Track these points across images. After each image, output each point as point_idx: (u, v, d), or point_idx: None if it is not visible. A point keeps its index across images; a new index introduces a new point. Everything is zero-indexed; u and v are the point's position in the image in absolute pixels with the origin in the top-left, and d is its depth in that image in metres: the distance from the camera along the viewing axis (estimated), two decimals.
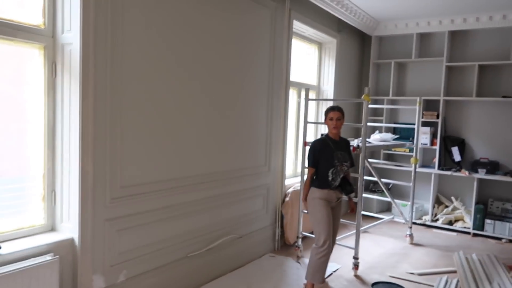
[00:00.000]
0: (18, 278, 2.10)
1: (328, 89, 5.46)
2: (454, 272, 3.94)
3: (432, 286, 3.60)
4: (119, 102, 2.60)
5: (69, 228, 2.48)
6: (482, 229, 5.17)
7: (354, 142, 4.08)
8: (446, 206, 5.64)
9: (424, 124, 5.58)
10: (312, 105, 5.37)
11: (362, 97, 3.75)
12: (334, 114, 3.23)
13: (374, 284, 3.18)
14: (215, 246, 3.52)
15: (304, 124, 4.16)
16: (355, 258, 3.79)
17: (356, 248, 3.78)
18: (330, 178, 3.19)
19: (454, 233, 5.30)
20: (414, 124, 5.22)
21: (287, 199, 4.46)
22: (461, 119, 5.60)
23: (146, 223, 2.88)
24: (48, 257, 2.27)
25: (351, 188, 3.24)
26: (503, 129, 5.33)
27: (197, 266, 3.35)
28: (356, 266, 3.78)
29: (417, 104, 4.81)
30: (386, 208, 6.14)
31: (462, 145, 5.51)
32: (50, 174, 2.51)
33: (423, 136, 5.55)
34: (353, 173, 3.57)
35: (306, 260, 4.07)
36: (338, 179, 3.21)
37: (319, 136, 4.72)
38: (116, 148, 2.61)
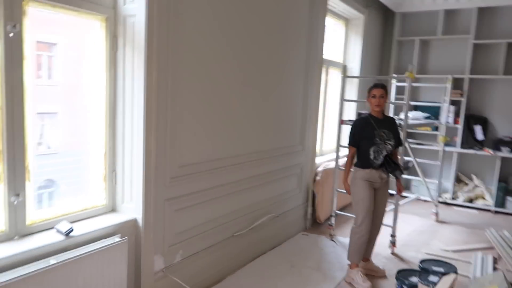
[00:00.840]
0: (91, 260, 2.05)
1: (354, 66, 5.38)
2: (487, 248, 4.01)
3: (470, 262, 3.66)
4: (178, 79, 2.50)
5: (131, 208, 2.42)
6: (503, 207, 5.25)
7: None
8: (466, 184, 5.70)
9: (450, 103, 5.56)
10: (339, 83, 5.29)
11: (406, 74, 3.69)
12: (378, 91, 3.15)
13: (422, 261, 3.20)
14: (257, 226, 3.50)
15: (340, 102, 4.10)
16: (393, 236, 3.82)
17: (394, 225, 3.81)
18: (371, 157, 3.14)
19: (475, 211, 5.38)
20: (436, 102, 5.21)
21: (318, 178, 4.44)
22: (485, 98, 5.59)
23: (199, 202, 2.83)
24: (117, 239, 2.22)
25: (396, 167, 3.17)
26: None
27: (242, 245, 3.34)
28: (393, 243, 3.81)
29: (448, 82, 4.77)
30: (405, 186, 6.17)
31: (485, 123, 5.52)
32: (111, 153, 2.42)
33: (448, 115, 5.53)
34: None
35: (340, 238, 4.11)
36: (380, 158, 3.14)
37: (353, 115, 4.67)
38: (175, 126, 2.53)
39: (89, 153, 2.39)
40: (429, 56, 5.91)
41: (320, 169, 4.53)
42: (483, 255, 3.79)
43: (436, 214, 4.87)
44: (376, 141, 3.13)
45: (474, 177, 5.61)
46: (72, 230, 2.07)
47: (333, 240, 4.06)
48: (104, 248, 2.11)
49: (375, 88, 3.16)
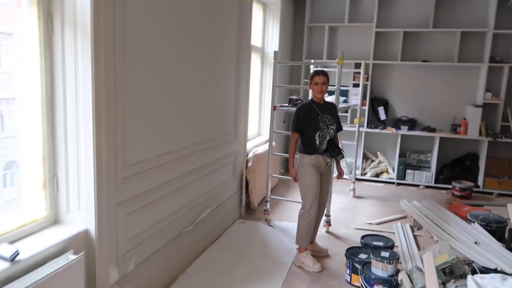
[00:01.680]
0: (47, 287, 1.71)
1: (272, 51, 5.42)
2: (403, 218, 4.50)
3: (393, 232, 4.05)
4: (125, 69, 2.19)
5: (80, 218, 2.08)
6: (404, 179, 5.92)
7: None
8: (372, 161, 6.27)
9: (355, 86, 6.01)
10: (258, 67, 5.30)
11: (336, 60, 3.84)
12: (320, 78, 3.21)
13: (363, 237, 3.42)
14: (201, 220, 3.35)
15: (272, 88, 4.10)
16: (327, 215, 4.01)
17: (328, 206, 3.99)
18: (317, 142, 3.23)
19: (382, 184, 5.97)
20: (346, 86, 5.61)
21: (249, 164, 4.42)
22: (386, 82, 6.17)
23: (149, 203, 2.58)
24: (71, 256, 1.89)
25: (339, 151, 3.32)
26: (420, 90, 6.05)
27: (189, 242, 3.17)
28: (328, 223, 4.01)
29: (362, 67, 5.12)
30: None
31: (386, 105, 6.11)
32: (51, 156, 2.03)
33: (354, 98, 5.98)
34: None
35: (277, 223, 4.17)
36: (325, 143, 3.25)
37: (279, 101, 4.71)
38: (125, 120, 2.23)
39: (24, 156, 1.97)
40: (337, 43, 6.27)
41: (250, 155, 4.51)
42: (401, 224, 4.23)
43: (354, 190, 5.26)
44: (320, 126, 3.21)
45: (379, 153, 6.19)
46: (18, 253, 1.69)
47: (270, 225, 4.11)
48: (59, 271, 1.78)
49: (317, 75, 3.21)
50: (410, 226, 4.19)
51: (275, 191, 5.10)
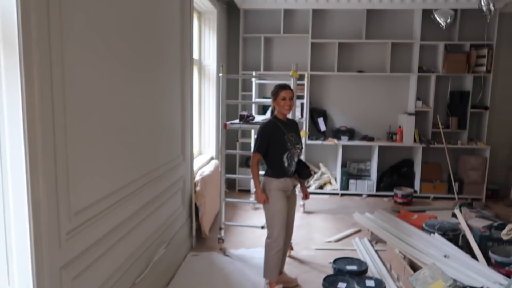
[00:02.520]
0: None
1: (211, 63, 5.06)
2: (358, 231, 4.40)
3: (353, 249, 3.91)
4: (63, 91, 1.68)
5: None
6: (347, 189, 5.92)
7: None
8: (315, 173, 6.19)
9: (297, 98, 5.89)
10: (195, 82, 4.89)
11: (291, 73, 3.61)
12: (287, 93, 2.93)
13: (334, 261, 3.20)
14: (155, 262, 2.85)
15: (221, 104, 3.72)
16: None
17: None
18: (286, 164, 2.94)
19: (326, 196, 5.89)
20: None
21: (197, 188, 3.99)
22: (323, 92, 6.14)
23: (98, 256, 2.05)
24: None
25: (309, 171, 3.08)
26: (357, 100, 6.12)
27: None
28: (290, 246, 3.73)
29: (306, 78, 4.99)
30: None
31: (325, 116, 6.08)
32: None
33: (296, 110, 5.83)
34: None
35: (233, 252, 3.80)
36: (293, 164, 3.00)
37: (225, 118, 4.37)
38: (66, 161, 1.71)
39: None
40: (273, 54, 6.10)
41: (197, 178, 4.08)
42: (360, 239, 4.12)
43: (303, 206, 5.08)
44: (288, 146, 2.92)
45: (321, 165, 6.13)
46: None
47: (227, 255, 3.71)
48: None
49: (284, 90, 2.92)
50: (369, 241, 4.10)
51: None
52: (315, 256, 3.77)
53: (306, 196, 3.27)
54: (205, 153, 5.14)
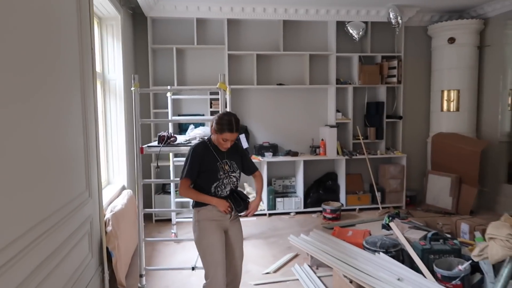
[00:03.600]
0: None
1: (116, 77, 4.35)
2: (296, 256, 4.04)
3: (296, 279, 3.53)
4: None
5: None
6: (275, 208, 5.58)
7: (195, 139, 3.39)
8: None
9: (212, 113, 5.42)
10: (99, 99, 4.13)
11: (218, 85, 3.13)
12: (231, 136, 2.44)
13: None
14: None
15: (135, 124, 3.08)
16: None
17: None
18: (212, 191, 2.49)
19: (254, 218, 5.48)
20: (201, 115, 5.03)
21: (108, 228, 3.26)
22: (244, 107, 5.77)
23: None
24: None
25: (245, 205, 2.55)
26: (278, 113, 5.86)
27: None
28: None
29: (228, 92, 4.54)
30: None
31: (246, 132, 5.70)
32: None
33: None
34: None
35: None
36: (224, 194, 2.52)
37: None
38: None
39: None
40: (186, 66, 5.57)
41: (108, 215, 3.34)
42: (299, 266, 3.76)
43: None
44: (219, 176, 2.47)
45: (246, 185, 5.71)
46: None
47: None
48: None
49: (230, 133, 2.42)
50: (309, 266, 3.75)
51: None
52: None
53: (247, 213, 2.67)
54: (114, 182, 4.37)
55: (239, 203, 2.51)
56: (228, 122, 2.41)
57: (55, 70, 2.29)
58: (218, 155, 2.48)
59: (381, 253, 3.40)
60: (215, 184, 2.46)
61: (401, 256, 3.55)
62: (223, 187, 2.49)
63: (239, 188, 2.63)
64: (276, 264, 3.83)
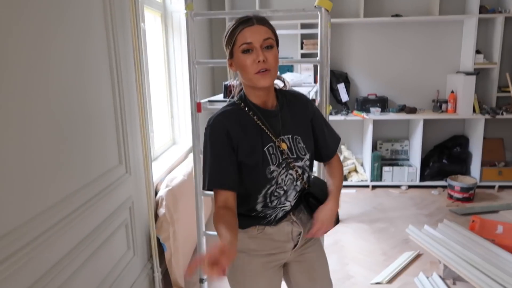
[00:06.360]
0: None
1: (181, 8, 3.35)
2: (418, 256, 2.88)
3: None
4: None
5: None
6: (381, 179, 4.36)
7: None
8: None
9: (304, 56, 4.25)
10: (159, 37, 3.19)
11: (316, 3, 1.96)
12: (254, 31, 1.17)
13: None
14: None
15: (190, 65, 2.06)
16: None
17: None
18: (259, 206, 1.28)
19: (353, 190, 4.34)
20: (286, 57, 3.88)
21: (161, 210, 2.40)
22: (344, 48, 4.47)
23: None
24: None
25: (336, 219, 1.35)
26: (391, 57, 4.45)
27: None
28: None
29: (328, 26, 3.29)
30: None
31: (346, 80, 4.43)
32: None
33: (306, 73, 4.18)
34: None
35: None
36: (282, 204, 1.31)
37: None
38: None
39: None
40: None
41: (162, 191, 2.48)
42: (425, 275, 2.60)
43: None
44: (268, 172, 1.24)
45: (343, 148, 4.54)
46: None
47: None
48: None
49: (246, 27, 1.17)
50: (441, 278, 2.58)
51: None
52: None
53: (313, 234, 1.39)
54: (180, 142, 3.52)
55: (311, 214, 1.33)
56: (238, 20, 1.19)
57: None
58: (268, 128, 1.26)
59: None
60: (263, 191, 1.26)
61: None
62: (281, 194, 1.29)
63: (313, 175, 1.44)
64: (390, 269, 2.72)
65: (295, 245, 1.35)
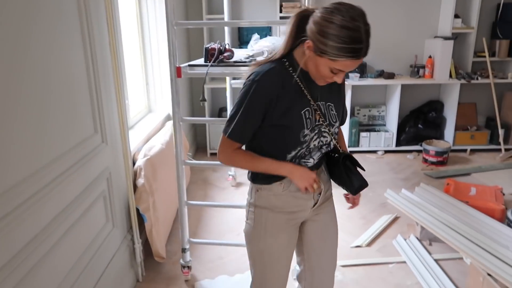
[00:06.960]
0: None
1: None
2: (395, 219, 2.96)
3: (403, 261, 2.47)
4: None
5: None
6: (358, 145, 4.40)
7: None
8: None
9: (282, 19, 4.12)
10: None
11: None
12: (356, 64, 1.16)
13: None
14: None
15: (168, 27, 1.93)
16: None
17: None
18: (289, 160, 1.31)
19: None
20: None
21: (140, 181, 2.33)
22: None
23: None
24: None
25: (362, 180, 1.35)
26: (369, 22, 4.37)
27: None
28: None
29: None
30: None
31: None
32: None
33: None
34: None
35: (208, 283, 2.27)
36: (311, 160, 1.33)
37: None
38: None
39: None
40: None
41: (140, 160, 2.40)
42: (402, 237, 2.68)
43: None
44: (303, 135, 1.25)
45: None
46: None
47: None
48: None
49: (354, 60, 1.14)
50: (418, 240, 2.66)
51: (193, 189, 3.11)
52: (344, 281, 2.30)
53: (354, 203, 1.57)
54: (156, 110, 3.40)
55: (351, 177, 1.35)
56: (356, 39, 1.11)
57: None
58: (309, 93, 1.25)
59: None
60: (293, 153, 1.28)
61: None
62: (309, 156, 1.32)
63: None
64: (369, 233, 2.78)
65: (315, 204, 1.40)
